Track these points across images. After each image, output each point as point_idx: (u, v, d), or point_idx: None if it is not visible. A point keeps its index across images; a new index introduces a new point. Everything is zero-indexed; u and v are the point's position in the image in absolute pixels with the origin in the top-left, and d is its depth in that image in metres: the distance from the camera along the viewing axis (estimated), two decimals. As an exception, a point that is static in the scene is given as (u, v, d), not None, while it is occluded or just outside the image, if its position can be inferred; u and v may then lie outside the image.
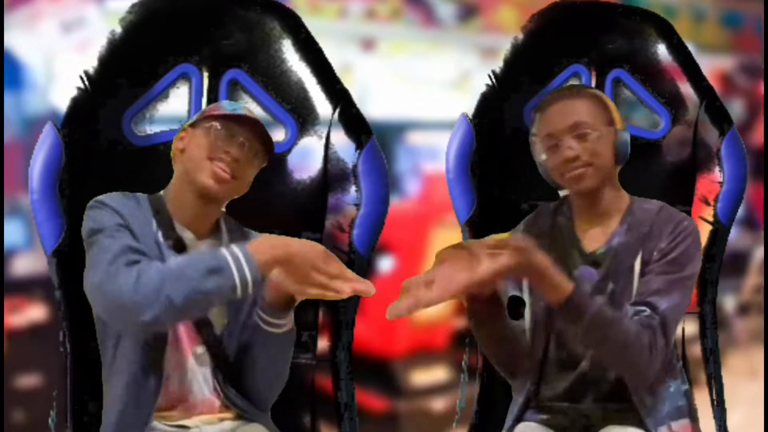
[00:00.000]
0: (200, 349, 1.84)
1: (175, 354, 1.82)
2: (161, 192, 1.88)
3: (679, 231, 1.88)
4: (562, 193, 2.02)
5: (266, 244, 1.69)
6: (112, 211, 1.75)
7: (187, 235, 1.84)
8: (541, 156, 1.94)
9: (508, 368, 1.99)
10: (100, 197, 1.79)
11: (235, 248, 1.66)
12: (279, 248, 1.68)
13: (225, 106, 1.88)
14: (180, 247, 1.82)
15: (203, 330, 1.84)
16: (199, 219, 1.85)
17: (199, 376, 1.85)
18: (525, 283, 1.97)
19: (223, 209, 1.91)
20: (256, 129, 1.84)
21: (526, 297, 1.97)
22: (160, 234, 1.81)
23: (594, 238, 1.94)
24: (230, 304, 1.82)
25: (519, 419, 1.97)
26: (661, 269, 1.86)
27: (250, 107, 2.13)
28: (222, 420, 1.87)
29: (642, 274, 1.88)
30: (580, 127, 1.88)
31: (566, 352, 1.94)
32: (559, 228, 1.98)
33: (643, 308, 1.82)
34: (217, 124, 1.82)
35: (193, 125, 1.87)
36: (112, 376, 1.81)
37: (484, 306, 1.87)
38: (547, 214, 2.02)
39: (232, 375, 1.86)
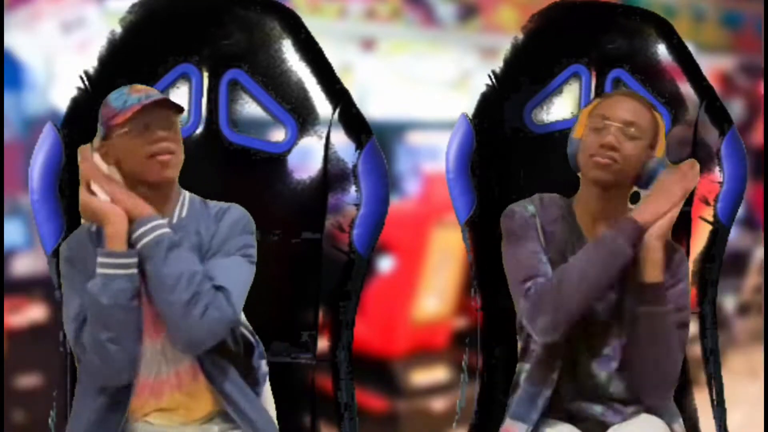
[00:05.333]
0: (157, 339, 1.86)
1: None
2: None
3: (679, 261, 1.97)
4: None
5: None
6: (64, 261, 1.87)
7: None
8: (577, 134, 1.95)
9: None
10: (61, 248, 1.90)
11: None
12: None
13: (114, 104, 1.84)
14: None
15: None
16: (156, 205, 1.85)
17: (165, 363, 1.86)
18: None
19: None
20: (150, 105, 1.82)
21: None
22: None
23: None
24: None
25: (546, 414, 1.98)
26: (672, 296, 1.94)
27: (250, 107, 2.14)
28: (210, 420, 1.89)
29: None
30: (634, 127, 1.90)
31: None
32: (565, 222, 1.98)
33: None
34: (126, 129, 1.82)
35: (105, 138, 1.85)
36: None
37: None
38: (555, 206, 2.00)
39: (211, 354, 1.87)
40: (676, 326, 1.91)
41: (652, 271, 1.89)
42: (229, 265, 1.84)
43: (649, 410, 1.98)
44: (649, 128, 1.92)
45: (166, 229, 1.80)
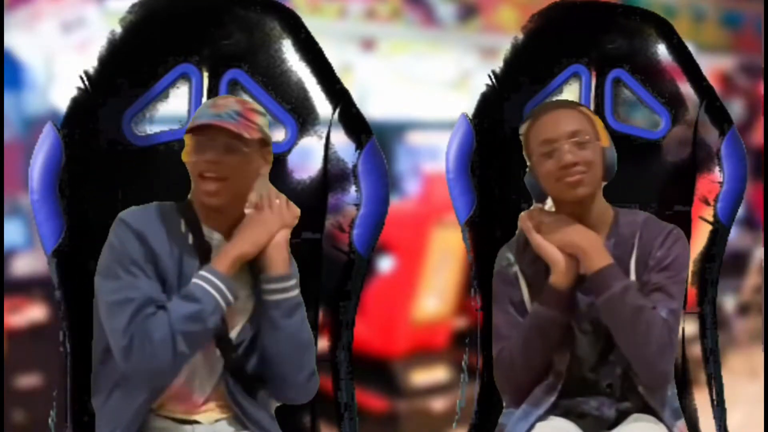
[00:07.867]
0: (212, 350, 1.84)
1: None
2: (189, 196, 1.87)
3: (671, 240, 1.93)
4: (548, 204, 2.00)
5: (221, 255, 1.82)
6: (135, 238, 1.79)
7: (216, 237, 1.85)
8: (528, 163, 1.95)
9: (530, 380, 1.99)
10: (126, 216, 1.82)
11: (204, 274, 1.79)
12: (235, 248, 1.82)
13: (198, 115, 1.83)
14: (206, 249, 1.83)
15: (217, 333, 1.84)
16: (221, 220, 1.85)
17: (204, 375, 1.85)
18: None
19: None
20: (217, 128, 1.79)
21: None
22: (189, 237, 1.84)
23: None
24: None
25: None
26: (659, 276, 1.91)
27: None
28: (217, 421, 1.87)
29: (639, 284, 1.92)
30: (579, 134, 1.89)
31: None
32: None
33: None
34: (190, 140, 1.82)
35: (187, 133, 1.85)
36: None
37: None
38: None
39: (244, 375, 1.86)
40: (652, 306, 1.88)
41: (587, 263, 1.88)
42: None
43: (647, 408, 1.97)
44: (588, 125, 1.91)
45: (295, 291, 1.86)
